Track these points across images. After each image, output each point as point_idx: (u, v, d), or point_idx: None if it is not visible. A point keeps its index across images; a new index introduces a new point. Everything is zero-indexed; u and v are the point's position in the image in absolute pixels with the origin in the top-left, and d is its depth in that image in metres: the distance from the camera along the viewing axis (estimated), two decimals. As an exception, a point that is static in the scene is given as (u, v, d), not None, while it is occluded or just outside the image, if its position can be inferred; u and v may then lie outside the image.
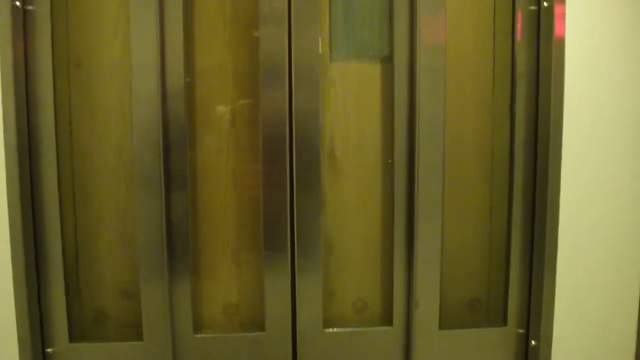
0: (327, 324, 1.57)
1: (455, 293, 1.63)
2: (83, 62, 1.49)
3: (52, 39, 1.44)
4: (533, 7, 1.51)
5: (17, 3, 1.39)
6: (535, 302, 1.56)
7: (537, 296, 1.55)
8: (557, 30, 1.46)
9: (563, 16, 1.46)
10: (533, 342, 1.58)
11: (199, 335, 1.55)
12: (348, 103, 1.55)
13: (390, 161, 1.52)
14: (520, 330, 1.61)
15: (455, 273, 1.62)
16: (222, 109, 1.51)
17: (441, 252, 1.53)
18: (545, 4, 1.48)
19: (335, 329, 1.58)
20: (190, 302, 1.52)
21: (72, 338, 1.52)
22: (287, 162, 1.48)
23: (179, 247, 1.51)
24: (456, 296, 1.63)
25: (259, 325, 1.56)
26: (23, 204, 1.42)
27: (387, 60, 1.52)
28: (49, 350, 1.51)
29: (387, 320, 1.60)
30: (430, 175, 1.50)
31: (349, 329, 1.59)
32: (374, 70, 1.54)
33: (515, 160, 1.56)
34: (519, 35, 1.52)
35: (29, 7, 1.42)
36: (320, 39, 1.46)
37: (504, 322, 1.62)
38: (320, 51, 1.46)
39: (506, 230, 1.60)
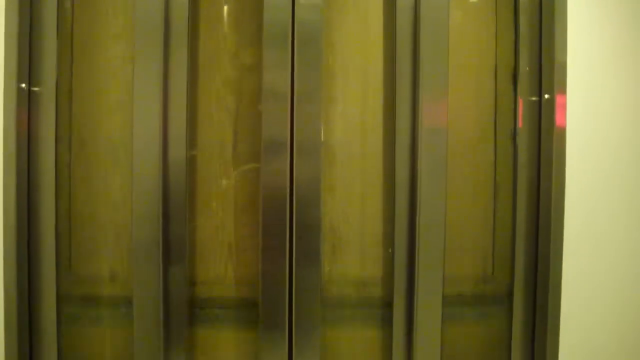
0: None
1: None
2: (86, 138, 1.50)
3: (57, 119, 1.46)
4: (534, 98, 1.52)
5: (23, 85, 1.41)
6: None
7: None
8: (558, 121, 1.47)
9: (564, 106, 1.47)
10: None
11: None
12: (350, 183, 1.54)
13: (390, 250, 1.51)
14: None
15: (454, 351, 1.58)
16: (222, 183, 1.51)
17: (441, 336, 1.50)
18: (546, 96, 1.49)
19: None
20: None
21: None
22: (287, 238, 1.46)
23: (176, 321, 1.48)
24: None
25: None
26: (19, 279, 1.42)
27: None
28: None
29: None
30: (430, 264, 1.48)
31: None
32: (376, 152, 1.54)
33: (516, 250, 1.55)
34: (520, 123, 1.53)
35: (35, 89, 1.44)
36: (322, 125, 1.46)
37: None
38: (322, 139, 1.46)
39: (508, 325, 1.58)
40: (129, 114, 1.46)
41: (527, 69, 1.53)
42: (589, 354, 1.54)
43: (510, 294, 1.56)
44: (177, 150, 1.46)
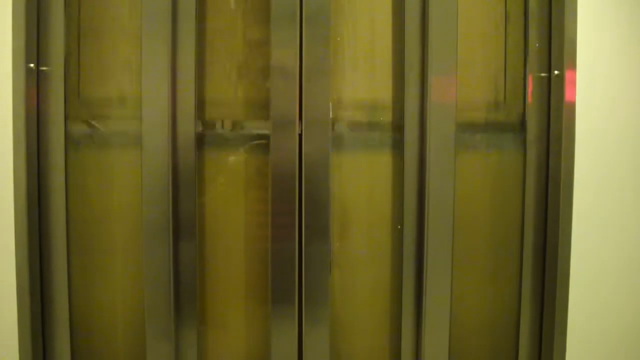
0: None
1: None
2: (95, 116, 1.50)
3: (65, 98, 1.46)
4: (544, 74, 1.51)
5: (31, 65, 1.40)
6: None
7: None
8: (567, 96, 1.47)
9: (574, 82, 1.47)
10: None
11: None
12: (358, 158, 1.55)
13: (400, 227, 1.52)
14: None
15: (463, 340, 1.60)
16: (231, 159, 1.51)
17: (450, 317, 1.52)
18: (556, 72, 1.48)
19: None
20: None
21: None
22: (296, 214, 1.47)
23: (186, 299, 1.50)
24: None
25: (265, 386, 1.54)
26: (31, 257, 1.43)
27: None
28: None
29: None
30: (439, 241, 1.49)
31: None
32: (385, 133, 1.54)
33: (525, 224, 1.56)
34: (529, 99, 1.52)
35: (43, 68, 1.44)
36: (330, 104, 1.45)
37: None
38: (330, 115, 1.46)
39: (517, 295, 1.59)
40: (137, 91, 1.46)
41: (537, 44, 1.52)
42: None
43: (520, 268, 1.57)
44: (186, 127, 1.46)
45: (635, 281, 1.56)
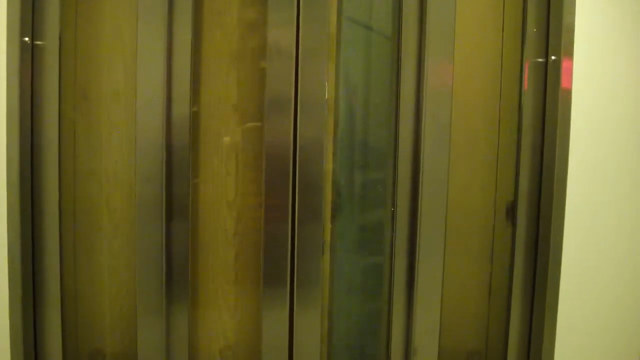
0: (324, 368, 1.55)
1: (454, 344, 1.62)
2: (90, 93, 1.49)
3: (60, 73, 1.45)
4: (540, 60, 1.51)
5: (26, 39, 1.39)
6: (535, 355, 1.55)
7: (537, 349, 1.54)
8: (563, 83, 1.46)
9: (570, 69, 1.46)
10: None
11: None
12: (353, 142, 1.54)
13: (393, 209, 1.52)
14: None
15: (454, 324, 1.60)
16: (226, 140, 1.51)
17: (441, 301, 1.52)
18: (552, 57, 1.48)
19: (332, 375, 1.56)
20: (187, 343, 1.52)
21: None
22: (290, 196, 1.47)
23: (178, 280, 1.50)
24: (455, 347, 1.62)
25: (257, 367, 1.54)
26: (23, 234, 1.43)
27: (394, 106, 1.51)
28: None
29: (385, 369, 1.58)
30: (432, 223, 1.49)
31: (346, 375, 1.57)
32: (380, 115, 1.53)
33: (518, 207, 1.55)
34: (525, 85, 1.52)
35: (38, 43, 1.42)
36: (327, 84, 1.45)
37: (503, 376, 1.60)
38: (326, 97, 1.45)
39: (507, 280, 1.59)
40: (133, 69, 1.45)
41: (534, 30, 1.51)
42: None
43: (512, 251, 1.58)
44: (181, 107, 1.45)
45: (627, 271, 1.56)
